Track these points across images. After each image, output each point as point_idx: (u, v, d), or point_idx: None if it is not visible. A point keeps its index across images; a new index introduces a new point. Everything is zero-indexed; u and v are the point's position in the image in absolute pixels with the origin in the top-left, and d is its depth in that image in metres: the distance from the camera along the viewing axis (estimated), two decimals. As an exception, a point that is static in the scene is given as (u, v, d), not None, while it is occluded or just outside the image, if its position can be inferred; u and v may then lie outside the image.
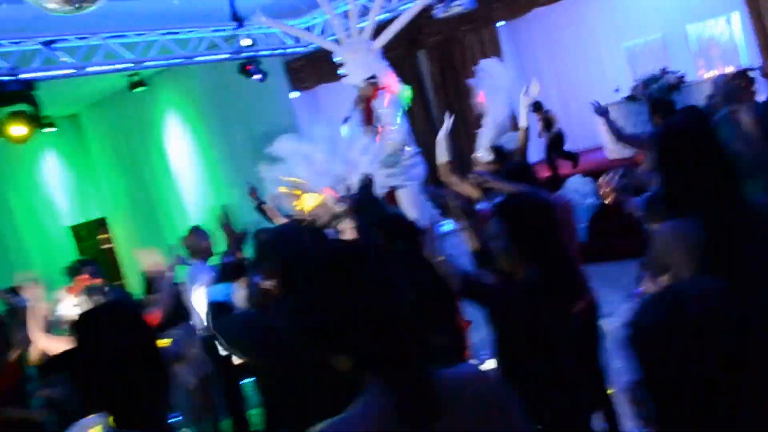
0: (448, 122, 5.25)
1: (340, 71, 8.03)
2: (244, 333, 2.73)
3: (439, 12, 8.07)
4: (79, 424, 2.06)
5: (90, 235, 13.88)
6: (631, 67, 11.51)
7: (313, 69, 11.48)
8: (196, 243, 5.69)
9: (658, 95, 9.50)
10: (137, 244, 13.11)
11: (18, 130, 6.66)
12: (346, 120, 7.43)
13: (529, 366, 2.69)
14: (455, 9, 8.02)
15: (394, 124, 7.26)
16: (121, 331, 1.87)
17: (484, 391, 1.52)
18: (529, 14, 10.97)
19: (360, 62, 7.43)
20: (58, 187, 13.59)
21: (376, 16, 7.72)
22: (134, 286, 12.90)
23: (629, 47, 11.78)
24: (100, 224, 14.02)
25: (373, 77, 7.38)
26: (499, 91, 8.07)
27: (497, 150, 7.02)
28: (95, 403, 1.85)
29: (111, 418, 1.80)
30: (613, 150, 10.16)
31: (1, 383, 4.72)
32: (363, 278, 1.45)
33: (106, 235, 14.04)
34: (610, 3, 11.78)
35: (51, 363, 3.82)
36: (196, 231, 5.86)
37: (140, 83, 10.32)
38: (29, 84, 6.63)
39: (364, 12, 8.14)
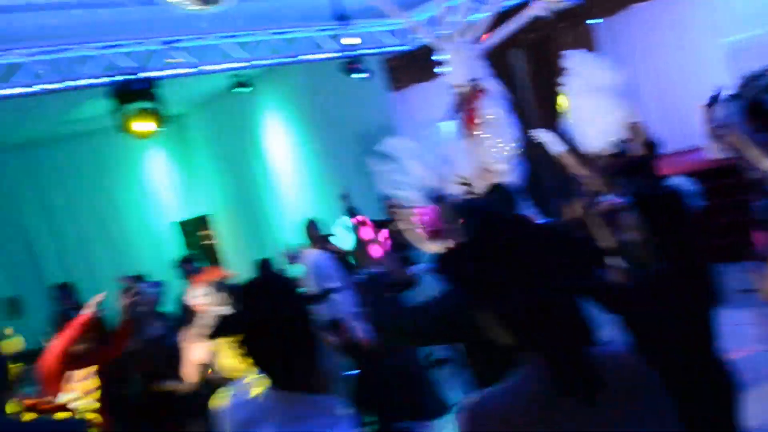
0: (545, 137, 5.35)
1: (440, 69, 8.13)
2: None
3: (539, 6, 8.12)
4: (240, 383, 2.23)
5: (193, 231, 14.49)
6: (732, 65, 11.21)
7: (410, 68, 11.63)
8: (315, 233, 6.08)
9: (756, 97, 9.26)
10: (238, 240, 13.64)
11: (142, 126, 7.08)
12: (445, 119, 7.54)
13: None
14: (558, 5, 8.05)
15: (496, 125, 7.33)
16: (278, 300, 2.08)
17: (633, 370, 1.66)
18: (626, 11, 10.82)
19: (464, 62, 7.49)
20: (164, 184, 14.23)
21: (485, 16, 7.73)
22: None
23: (730, 43, 11.45)
24: (203, 221, 14.60)
25: (477, 78, 7.45)
26: (596, 88, 8.10)
27: (617, 144, 7.08)
28: (258, 364, 2.05)
29: (270, 380, 2.02)
30: (713, 149, 9.97)
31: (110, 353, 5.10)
32: (533, 262, 1.62)
33: (208, 232, 14.61)
34: (709, -1, 11.52)
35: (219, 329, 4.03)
36: (313, 223, 6.39)
37: (244, 84, 10.72)
38: (151, 82, 7.04)
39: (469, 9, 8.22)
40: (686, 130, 10.91)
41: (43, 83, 7.08)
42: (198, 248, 13.71)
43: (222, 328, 2.16)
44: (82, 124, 12.03)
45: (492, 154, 7.28)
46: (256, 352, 2.03)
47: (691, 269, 2.78)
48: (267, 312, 2.03)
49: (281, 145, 12.56)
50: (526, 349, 1.62)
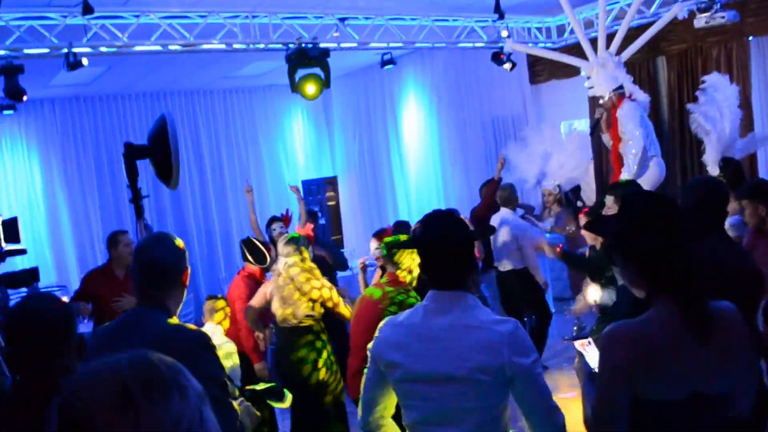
0: None
1: (586, 84, 8.35)
2: None
3: (701, 22, 8.17)
4: None
5: (319, 191, 15.21)
6: None
7: (550, 65, 11.82)
8: (508, 195, 7.66)
9: None
10: (359, 204, 14.28)
11: (311, 88, 7.89)
12: (592, 130, 7.79)
13: None
14: (717, 20, 8.08)
15: (636, 131, 7.51)
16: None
17: (737, 323, 2.26)
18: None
19: (607, 75, 7.66)
20: (301, 144, 15.01)
21: (625, 31, 7.89)
22: (349, 241, 14.13)
23: None
24: (331, 182, 15.30)
25: (620, 87, 7.62)
26: (725, 107, 8.17)
27: (727, 162, 7.21)
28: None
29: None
30: None
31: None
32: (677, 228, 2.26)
33: (333, 193, 15.30)
34: None
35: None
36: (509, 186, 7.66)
37: (390, 62, 11.19)
38: (324, 52, 7.74)
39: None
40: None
41: (237, 42, 8.03)
42: (321, 208, 14.37)
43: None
44: (239, 81, 12.99)
45: (630, 159, 7.50)
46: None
47: None
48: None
49: (415, 121, 13.01)
50: (661, 294, 2.21)
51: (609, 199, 5.10)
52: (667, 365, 2.14)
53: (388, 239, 4.77)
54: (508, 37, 9.49)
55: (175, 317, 2.82)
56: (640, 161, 7.32)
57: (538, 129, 10.91)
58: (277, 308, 5.51)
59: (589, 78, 7.81)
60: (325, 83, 7.88)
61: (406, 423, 2.60)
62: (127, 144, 4.12)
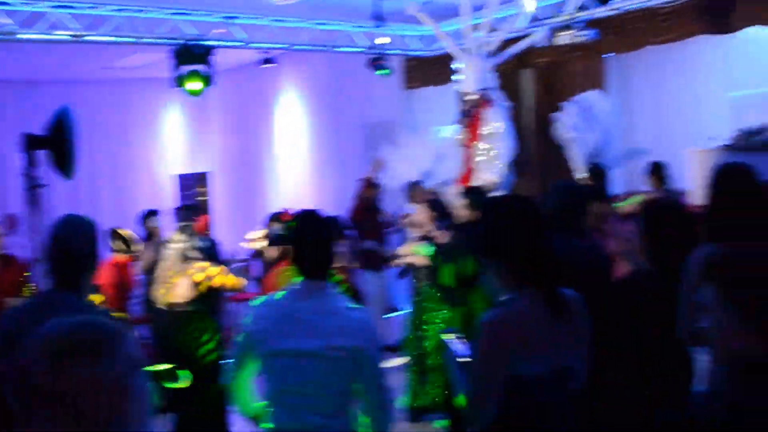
0: None
1: (455, 77, 8.60)
2: None
3: (564, 39, 8.64)
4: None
5: (190, 186, 14.99)
6: (734, 118, 11.67)
7: (425, 71, 12.12)
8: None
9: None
10: (230, 200, 14.20)
11: (193, 85, 7.81)
12: (458, 121, 8.02)
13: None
14: (578, 39, 8.58)
15: (498, 135, 7.82)
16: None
17: (582, 308, 2.68)
18: (639, 50, 11.31)
19: (476, 73, 7.92)
20: (175, 139, 14.72)
21: (504, 37, 8.24)
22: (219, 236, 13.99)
23: (735, 97, 11.93)
24: (202, 177, 15.11)
25: (485, 89, 7.90)
26: (593, 121, 8.74)
27: (593, 168, 7.75)
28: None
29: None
30: (701, 195, 10.57)
31: None
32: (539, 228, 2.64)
33: (204, 188, 15.14)
34: (722, 50, 11.93)
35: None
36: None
37: (269, 61, 11.19)
38: (209, 49, 7.74)
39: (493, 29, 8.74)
40: (677, 171, 11.48)
41: (121, 36, 8.05)
42: (192, 202, 14.19)
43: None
44: (118, 72, 12.69)
45: (485, 162, 7.73)
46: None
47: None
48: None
49: (290, 121, 13.06)
50: (527, 285, 2.56)
51: (461, 203, 5.36)
52: (536, 344, 2.52)
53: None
54: (389, 42, 9.71)
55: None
56: (498, 167, 7.58)
57: (412, 133, 11.19)
58: (159, 292, 5.66)
59: (459, 72, 8.01)
60: (208, 80, 7.91)
61: (268, 393, 2.91)
62: (27, 134, 4.24)
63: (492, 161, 7.67)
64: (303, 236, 2.94)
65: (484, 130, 7.63)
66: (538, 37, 8.43)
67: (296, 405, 2.80)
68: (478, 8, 8.43)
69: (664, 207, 3.83)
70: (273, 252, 6.01)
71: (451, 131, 7.99)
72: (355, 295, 4.89)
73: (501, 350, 2.50)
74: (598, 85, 10.89)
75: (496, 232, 2.65)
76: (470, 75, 7.95)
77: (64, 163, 4.33)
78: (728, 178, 3.53)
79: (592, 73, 11.29)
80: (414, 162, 9.90)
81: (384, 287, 8.20)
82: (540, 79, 11.90)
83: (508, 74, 11.99)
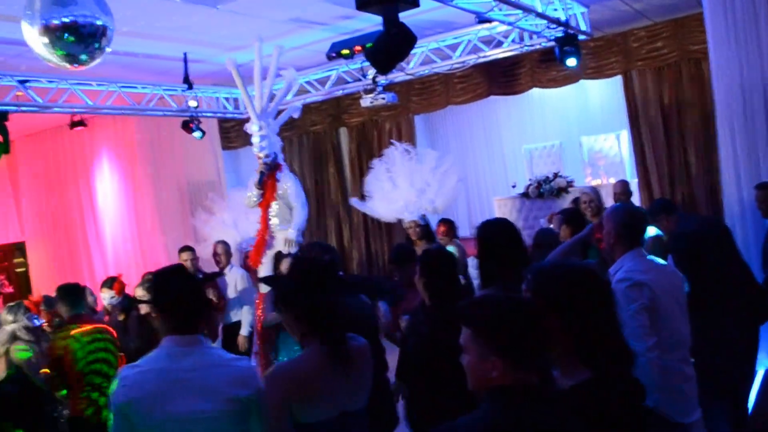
0: None
1: (252, 139, 8.81)
2: None
3: (366, 101, 9.22)
4: None
5: (5, 257, 14.22)
6: (529, 167, 12.76)
7: (241, 132, 12.37)
8: None
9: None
10: (51, 268, 13.59)
11: None
12: (259, 182, 8.20)
13: None
14: (379, 101, 9.19)
15: (286, 198, 8.01)
16: None
17: (367, 354, 2.94)
18: (444, 109, 12.18)
19: (265, 137, 8.08)
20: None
21: (277, 107, 8.42)
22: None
23: (530, 149, 13.01)
24: (19, 247, 14.39)
25: (274, 153, 8.07)
26: (399, 173, 9.32)
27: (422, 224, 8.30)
28: None
29: None
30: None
31: None
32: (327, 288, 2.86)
33: (22, 259, 14.41)
34: (517, 108, 13.07)
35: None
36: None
37: (81, 123, 10.91)
38: (3, 115, 7.41)
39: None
40: (481, 218, 12.31)
41: None
42: (6, 274, 13.49)
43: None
44: None
45: (278, 223, 7.95)
46: None
47: None
48: None
49: (109, 184, 12.78)
50: (311, 337, 2.79)
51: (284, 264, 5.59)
52: (318, 393, 2.69)
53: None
54: (197, 106, 9.87)
55: None
56: (292, 227, 7.81)
57: (223, 195, 11.34)
58: None
59: (252, 135, 8.17)
60: (3, 148, 7.48)
61: None
62: None
63: (285, 221, 7.84)
64: (169, 293, 2.84)
65: (279, 191, 7.80)
66: (286, 90, 8.66)
67: None
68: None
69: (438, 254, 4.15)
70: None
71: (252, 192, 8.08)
72: None
73: (284, 401, 2.67)
74: (410, 140, 11.56)
75: (290, 287, 2.88)
76: (257, 138, 8.01)
77: None
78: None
79: (403, 131, 12.00)
80: (230, 225, 10.08)
81: None
82: (355, 135, 12.52)
83: (326, 132, 12.55)
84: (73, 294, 5.41)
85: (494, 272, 3.55)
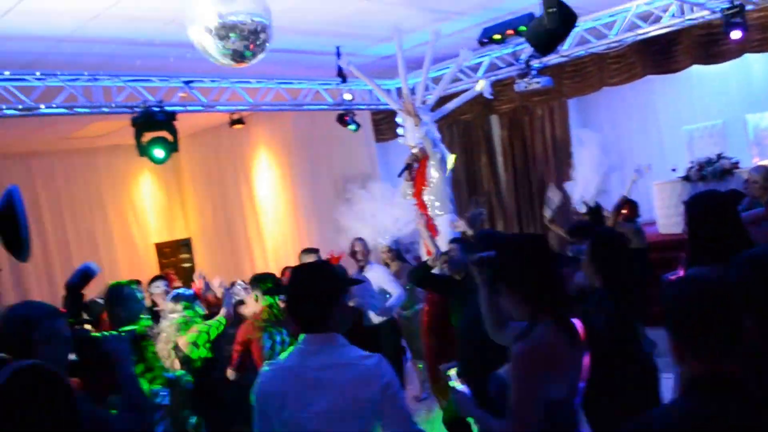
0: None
1: (398, 131, 8.94)
2: None
3: (520, 86, 9.05)
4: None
5: (173, 253, 15.07)
6: (690, 149, 12.13)
7: (392, 123, 12.50)
8: None
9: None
10: (214, 265, 14.25)
11: (158, 151, 7.74)
12: (400, 174, 8.28)
13: None
14: (533, 85, 8.98)
15: (435, 188, 8.00)
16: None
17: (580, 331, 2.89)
18: (598, 92, 11.76)
19: (414, 129, 8.13)
20: (150, 206, 14.83)
21: (439, 94, 8.45)
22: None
23: (689, 130, 12.38)
24: (183, 244, 15.20)
25: (420, 144, 8.09)
26: (590, 156, 9.05)
27: (592, 206, 8.08)
28: None
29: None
30: (665, 224, 10.93)
31: None
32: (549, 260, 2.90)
33: (188, 255, 15.20)
34: (674, 87, 12.43)
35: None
36: None
37: (239, 121, 11.41)
38: (171, 115, 7.75)
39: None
40: (642, 204, 11.84)
41: (79, 106, 7.83)
42: (174, 269, 14.26)
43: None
44: (79, 142, 12.71)
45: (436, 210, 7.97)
46: None
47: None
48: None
49: (267, 180, 13.25)
50: (542, 315, 2.74)
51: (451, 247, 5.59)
52: (565, 369, 2.69)
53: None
54: (352, 99, 10.04)
55: None
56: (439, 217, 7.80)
57: (366, 187, 11.44)
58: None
59: (403, 126, 8.25)
60: (173, 146, 7.82)
61: None
62: None
63: (433, 211, 7.87)
64: (297, 292, 2.84)
65: (427, 180, 7.85)
66: (469, 97, 8.71)
67: None
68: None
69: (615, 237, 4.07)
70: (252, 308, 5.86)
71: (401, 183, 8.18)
72: None
73: (541, 377, 2.63)
74: (563, 125, 11.26)
75: (510, 264, 2.87)
76: (411, 129, 8.08)
77: (16, 246, 4.02)
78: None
79: (555, 116, 11.72)
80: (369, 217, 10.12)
81: None
82: (506, 123, 12.34)
83: (476, 120, 12.44)
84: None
85: (702, 250, 3.36)
